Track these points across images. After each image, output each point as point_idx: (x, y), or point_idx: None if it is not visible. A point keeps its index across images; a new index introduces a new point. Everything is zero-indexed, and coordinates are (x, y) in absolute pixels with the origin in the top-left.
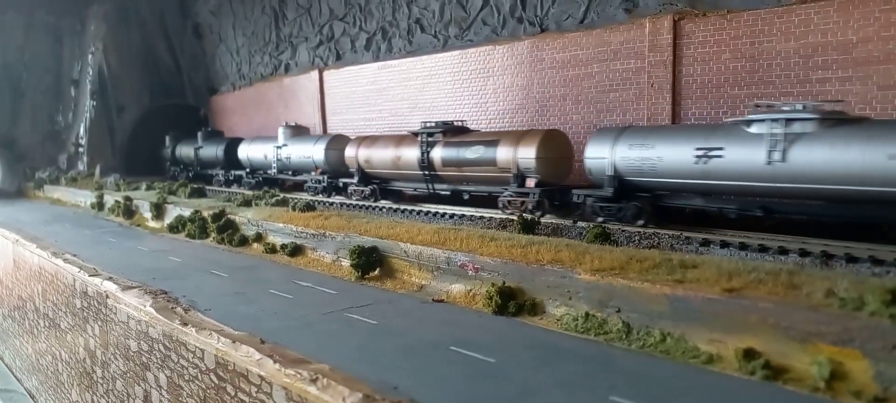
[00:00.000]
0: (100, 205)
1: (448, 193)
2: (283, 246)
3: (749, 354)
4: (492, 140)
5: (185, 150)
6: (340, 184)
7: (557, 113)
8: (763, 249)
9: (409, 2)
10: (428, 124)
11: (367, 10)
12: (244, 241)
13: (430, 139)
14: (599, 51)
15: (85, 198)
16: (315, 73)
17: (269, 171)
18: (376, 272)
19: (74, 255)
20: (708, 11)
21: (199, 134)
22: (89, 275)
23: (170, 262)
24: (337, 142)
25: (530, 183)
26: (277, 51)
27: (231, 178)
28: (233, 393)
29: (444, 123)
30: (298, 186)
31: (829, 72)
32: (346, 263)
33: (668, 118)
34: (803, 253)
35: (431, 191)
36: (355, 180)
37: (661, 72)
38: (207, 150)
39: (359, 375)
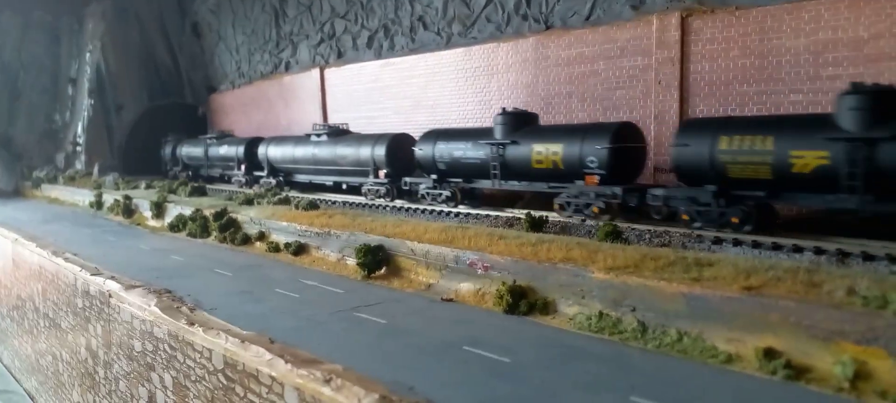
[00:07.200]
0: (98, 204)
1: None
2: (287, 245)
3: (770, 353)
4: None
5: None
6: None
7: (563, 110)
8: (777, 247)
9: None
10: None
11: (368, 8)
12: (247, 240)
13: None
14: (606, 48)
15: (83, 197)
16: (316, 71)
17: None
18: (382, 271)
19: (75, 254)
20: (716, 8)
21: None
22: (91, 275)
23: (172, 261)
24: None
25: None
26: (278, 49)
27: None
28: (242, 394)
29: None
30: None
31: (839, 69)
32: (351, 262)
33: (676, 116)
34: (818, 252)
35: None
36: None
37: (669, 69)
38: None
39: (372, 375)
